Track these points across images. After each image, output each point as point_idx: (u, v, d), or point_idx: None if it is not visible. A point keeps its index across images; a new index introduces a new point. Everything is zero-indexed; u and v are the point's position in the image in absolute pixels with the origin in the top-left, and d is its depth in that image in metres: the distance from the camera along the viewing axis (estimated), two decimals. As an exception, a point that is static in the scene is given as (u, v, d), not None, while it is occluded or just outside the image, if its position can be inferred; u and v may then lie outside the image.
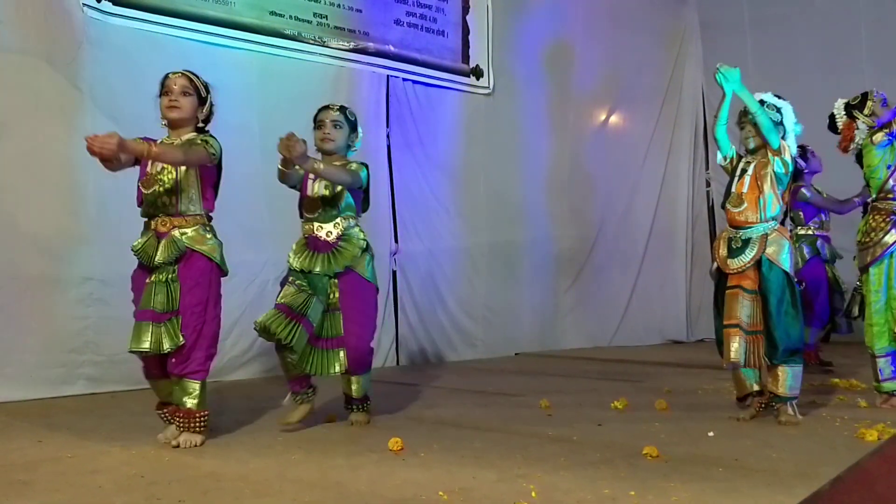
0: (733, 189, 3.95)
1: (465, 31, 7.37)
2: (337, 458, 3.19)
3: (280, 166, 3.78)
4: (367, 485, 2.78)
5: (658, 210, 8.57)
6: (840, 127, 4.44)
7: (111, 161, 3.38)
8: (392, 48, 6.76)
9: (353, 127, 4.05)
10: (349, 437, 3.64)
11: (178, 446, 3.40)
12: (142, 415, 4.26)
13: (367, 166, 3.97)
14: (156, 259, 3.44)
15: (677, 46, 8.81)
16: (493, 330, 7.26)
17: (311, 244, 3.85)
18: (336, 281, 3.81)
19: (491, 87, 7.45)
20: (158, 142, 3.50)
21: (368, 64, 6.61)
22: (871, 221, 4.27)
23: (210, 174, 3.58)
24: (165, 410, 3.63)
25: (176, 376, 3.47)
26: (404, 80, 6.87)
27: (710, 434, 3.54)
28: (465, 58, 7.35)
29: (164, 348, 3.40)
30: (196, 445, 3.43)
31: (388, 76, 6.75)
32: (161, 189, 3.50)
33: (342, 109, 4.06)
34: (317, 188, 3.89)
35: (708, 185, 8.88)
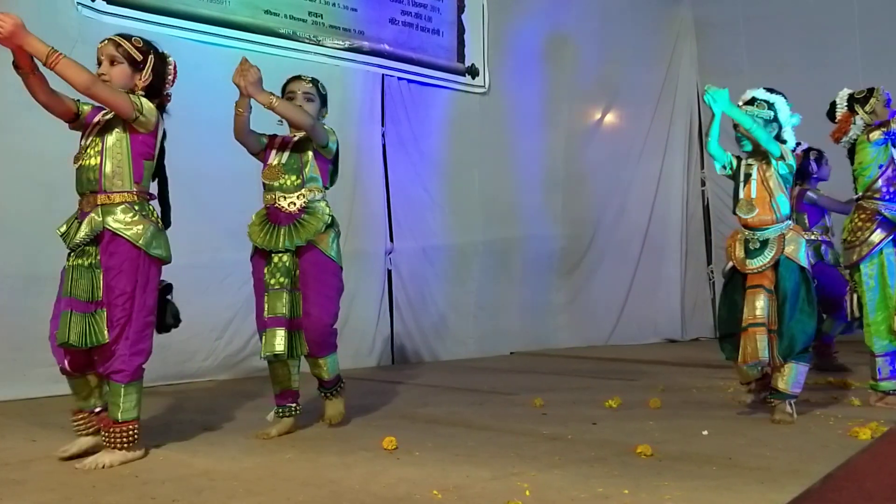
0: (741, 195, 3.92)
1: (461, 29, 7.37)
2: (330, 456, 3.19)
3: (237, 109, 3.50)
4: (361, 483, 2.77)
5: (652, 208, 8.57)
6: (838, 117, 4.41)
7: (18, 60, 2.96)
8: (387, 47, 6.76)
9: (324, 101, 3.82)
10: (342, 435, 3.64)
11: (82, 466, 2.98)
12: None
13: (335, 133, 3.71)
14: (73, 240, 3.08)
15: (672, 44, 8.82)
16: (487, 328, 7.26)
17: (272, 216, 3.62)
18: (297, 260, 3.60)
19: (486, 86, 7.45)
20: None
21: (363, 63, 6.61)
22: (856, 220, 4.27)
23: (140, 144, 3.17)
24: (80, 417, 3.23)
25: (102, 377, 3.14)
26: (399, 78, 6.86)
27: (704, 432, 3.54)
28: (461, 57, 7.35)
29: (89, 343, 3.02)
30: (107, 466, 2.98)
31: (383, 75, 6.75)
32: (87, 163, 3.15)
33: (314, 81, 3.79)
34: (281, 157, 3.65)
35: (703, 183, 8.88)
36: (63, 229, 3.21)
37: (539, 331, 7.71)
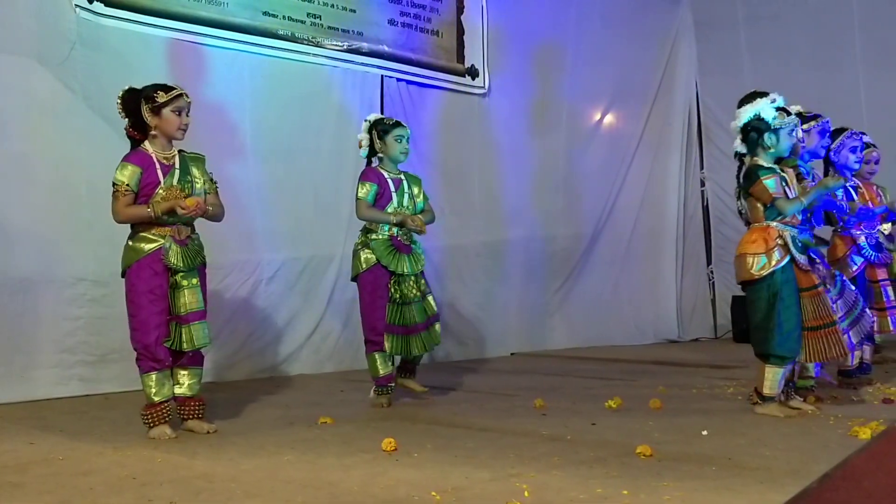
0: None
1: (460, 30, 7.36)
2: (329, 458, 3.18)
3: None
4: (360, 485, 2.77)
5: (651, 209, 8.56)
6: None
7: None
8: (386, 48, 6.75)
9: None
10: (341, 437, 3.63)
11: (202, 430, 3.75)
12: (135, 416, 4.25)
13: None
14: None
15: (671, 44, 8.81)
16: (486, 329, 7.25)
17: (396, 245, 4.51)
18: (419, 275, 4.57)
19: (486, 87, 7.44)
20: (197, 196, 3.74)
21: (362, 64, 6.60)
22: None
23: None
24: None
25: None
26: (398, 80, 6.86)
27: (704, 433, 3.54)
28: (460, 58, 7.34)
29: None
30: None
31: (382, 76, 6.74)
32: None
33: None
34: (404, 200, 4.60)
35: (703, 184, 8.88)
36: None
37: (539, 332, 7.70)
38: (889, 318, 4.83)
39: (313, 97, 6.35)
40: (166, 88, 3.70)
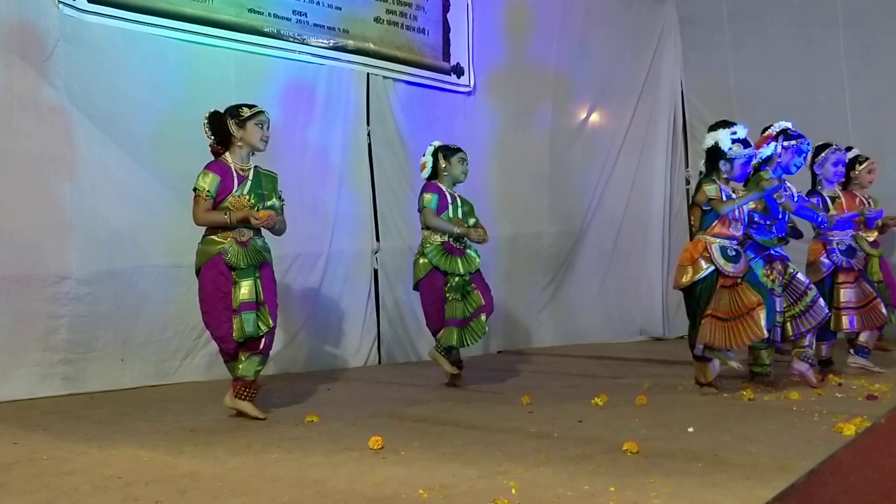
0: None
1: (446, 28, 7.35)
2: (316, 456, 3.17)
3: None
4: (347, 483, 2.76)
5: (637, 207, 8.59)
6: (765, 133, 4.87)
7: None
8: (372, 46, 6.74)
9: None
10: (329, 435, 3.62)
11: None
12: (119, 415, 4.24)
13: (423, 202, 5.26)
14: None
15: (655, 42, 8.83)
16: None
17: (448, 249, 5.07)
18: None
19: (471, 84, 7.44)
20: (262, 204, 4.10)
21: (348, 61, 6.59)
22: None
23: None
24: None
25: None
26: (384, 77, 6.85)
27: (690, 429, 3.55)
28: (446, 55, 7.33)
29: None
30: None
31: (368, 73, 6.73)
32: None
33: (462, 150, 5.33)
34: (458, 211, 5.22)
35: (687, 182, 8.90)
36: None
37: (526, 329, 7.72)
38: (845, 317, 5.11)
39: (299, 94, 6.33)
40: (249, 106, 4.14)
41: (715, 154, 4.45)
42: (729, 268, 4.29)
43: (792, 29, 8.02)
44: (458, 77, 7.38)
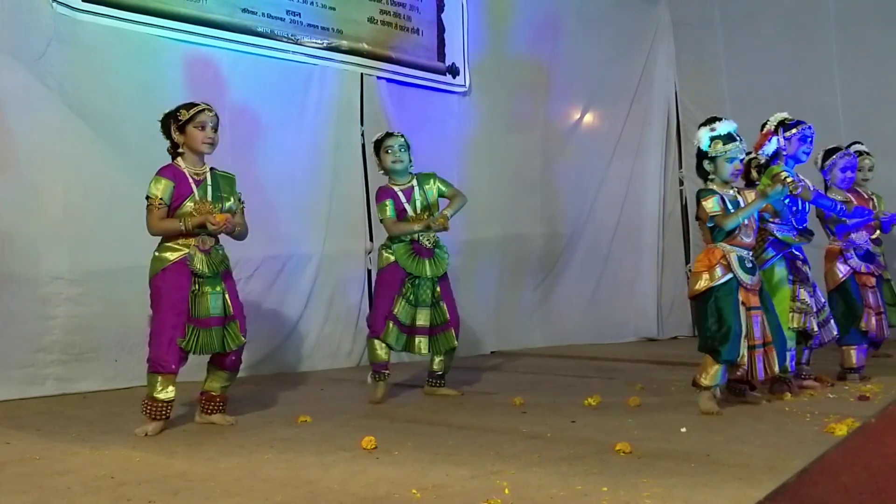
0: None
1: (441, 29, 7.35)
2: (308, 456, 3.17)
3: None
4: (339, 483, 2.76)
5: (631, 208, 8.60)
6: (763, 130, 4.66)
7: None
8: (366, 46, 6.73)
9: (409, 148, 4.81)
10: (321, 436, 3.62)
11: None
12: (111, 415, 4.23)
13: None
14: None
15: (649, 44, 8.85)
16: (467, 328, 7.22)
17: (416, 251, 4.70)
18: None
19: (467, 85, 7.44)
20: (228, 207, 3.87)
21: (342, 62, 6.58)
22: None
23: None
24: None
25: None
26: (378, 78, 6.84)
27: (683, 430, 3.55)
28: (441, 56, 7.33)
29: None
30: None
31: (361, 74, 6.72)
32: None
33: (403, 136, 4.79)
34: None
35: (681, 183, 8.92)
36: None
37: (518, 330, 7.71)
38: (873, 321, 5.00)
39: (292, 95, 6.33)
40: (189, 106, 3.85)
41: (699, 156, 4.19)
42: (747, 279, 4.04)
43: (784, 31, 8.04)
44: (454, 77, 7.38)
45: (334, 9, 6.56)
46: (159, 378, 3.71)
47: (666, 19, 8.93)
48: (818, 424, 3.57)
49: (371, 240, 6.73)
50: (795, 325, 4.48)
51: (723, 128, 4.07)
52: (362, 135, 6.73)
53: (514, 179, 7.80)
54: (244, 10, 6.03)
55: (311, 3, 6.42)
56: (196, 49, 5.79)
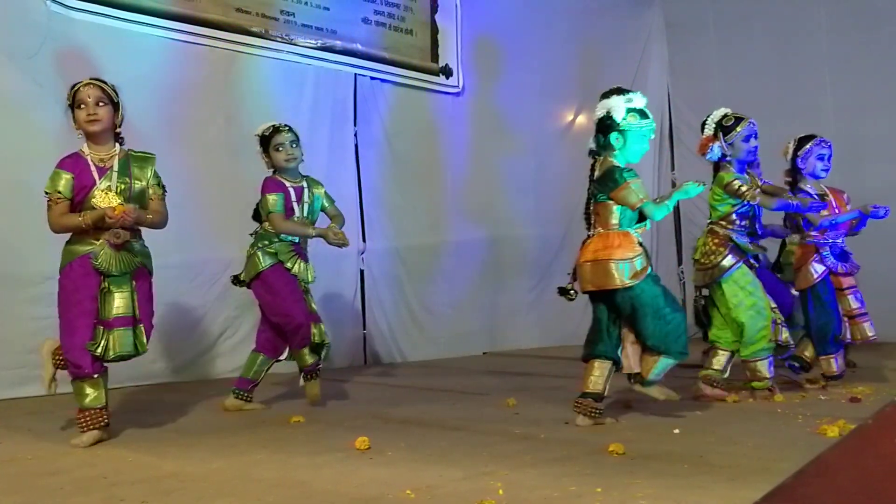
0: None
1: (434, 30, 7.36)
2: (301, 457, 3.16)
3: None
4: (332, 483, 2.75)
5: (624, 210, 8.61)
6: (703, 135, 4.56)
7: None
8: (360, 46, 6.74)
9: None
10: (314, 436, 3.61)
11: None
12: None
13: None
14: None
15: (642, 46, 8.87)
16: (460, 329, 7.26)
17: (297, 252, 4.37)
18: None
19: (460, 86, 7.45)
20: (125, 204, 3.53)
21: (336, 62, 6.58)
22: (709, 244, 4.48)
23: None
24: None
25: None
26: (372, 78, 6.84)
27: (675, 431, 3.56)
28: (434, 57, 7.34)
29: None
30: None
31: (355, 74, 6.73)
32: None
33: (292, 129, 4.40)
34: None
35: (673, 185, 8.94)
36: None
37: (511, 331, 7.72)
38: (864, 323, 4.82)
39: (286, 95, 6.32)
40: (73, 85, 3.57)
41: (606, 126, 3.76)
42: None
43: (776, 34, 8.09)
44: (447, 78, 7.39)
45: (328, 9, 6.56)
46: (82, 385, 3.47)
47: (659, 21, 8.96)
48: (810, 426, 3.58)
49: (364, 240, 6.72)
50: (784, 339, 4.42)
51: (640, 101, 3.74)
52: (355, 135, 6.74)
53: (508, 180, 7.81)
54: (238, 10, 6.02)
55: (305, 4, 6.42)
56: (190, 48, 5.78)
